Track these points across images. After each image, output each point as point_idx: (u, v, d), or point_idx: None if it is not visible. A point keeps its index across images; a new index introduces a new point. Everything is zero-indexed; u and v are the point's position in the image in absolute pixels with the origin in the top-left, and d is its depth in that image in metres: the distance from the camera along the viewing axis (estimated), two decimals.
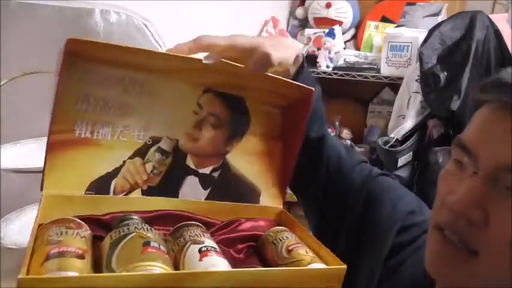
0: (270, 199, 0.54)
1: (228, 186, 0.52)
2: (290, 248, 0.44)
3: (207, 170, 0.50)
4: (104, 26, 0.85)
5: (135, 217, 0.43)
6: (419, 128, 1.51)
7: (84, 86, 0.43)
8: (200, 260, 0.38)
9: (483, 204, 0.38)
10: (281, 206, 0.54)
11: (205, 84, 0.48)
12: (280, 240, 0.46)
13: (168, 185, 0.49)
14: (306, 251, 0.43)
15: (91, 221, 0.43)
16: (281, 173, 0.54)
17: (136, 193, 0.47)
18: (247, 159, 0.52)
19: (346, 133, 1.92)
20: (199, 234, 0.42)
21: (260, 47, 0.47)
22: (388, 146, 1.50)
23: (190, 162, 0.49)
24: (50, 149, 0.42)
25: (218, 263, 0.38)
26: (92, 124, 0.44)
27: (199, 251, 0.39)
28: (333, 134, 1.91)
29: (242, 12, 1.65)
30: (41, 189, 0.43)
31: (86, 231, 0.40)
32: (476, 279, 0.40)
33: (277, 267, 0.43)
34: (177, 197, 0.49)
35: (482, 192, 0.38)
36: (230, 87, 0.49)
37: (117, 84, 0.44)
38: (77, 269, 0.33)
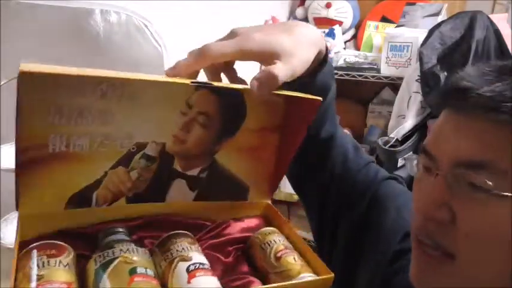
0: (258, 194, 0.53)
1: (216, 185, 0.50)
2: (279, 255, 0.44)
3: (194, 172, 0.48)
4: (104, 26, 0.85)
5: (120, 229, 0.43)
6: (419, 128, 1.51)
7: (54, 96, 0.38)
8: (188, 282, 0.37)
9: (447, 203, 0.39)
10: (268, 201, 0.53)
11: (199, 81, 0.44)
12: (269, 245, 0.46)
13: (155, 191, 0.47)
14: (295, 258, 0.44)
15: (74, 235, 0.42)
16: (274, 166, 0.52)
17: (120, 201, 0.45)
18: (237, 156, 0.50)
19: (346, 133, 1.92)
20: (187, 247, 0.41)
21: (273, 56, 0.42)
22: (388, 146, 1.50)
23: (177, 165, 0.47)
24: (22, 168, 0.40)
25: (207, 283, 0.38)
26: (67, 137, 0.40)
27: (187, 270, 0.38)
28: None
29: (242, 12, 1.65)
30: (16, 209, 0.42)
31: (69, 255, 0.38)
32: (457, 282, 0.40)
33: (267, 274, 0.44)
34: (164, 201, 0.48)
35: (444, 192, 0.39)
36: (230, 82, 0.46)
37: (94, 90, 0.39)
38: None
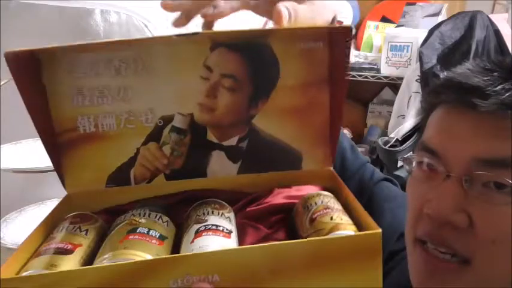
0: (314, 161, 0.45)
1: (260, 154, 0.44)
2: (314, 216, 0.37)
3: (232, 141, 0.44)
4: (104, 26, 0.85)
5: (151, 203, 0.41)
6: (419, 128, 1.51)
7: (72, 80, 0.39)
8: (192, 241, 0.34)
9: (463, 207, 0.37)
10: (330, 168, 0.45)
11: (213, 38, 0.40)
12: (308, 208, 0.38)
13: (193, 165, 0.44)
14: (332, 217, 0.36)
15: (114, 212, 0.42)
16: (328, 126, 0.44)
17: (160, 178, 0.44)
18: (280, 120, 0.44)
19: (346, 133, 1.92)
20: (208, 212, 0.38)
21: (277, 22, 0.38)
22: (388, 146, 1.50)
23: (211, 136, 0.44)
24: (59, 150, 0.41)
25: (209, 242, 0.33)
26: (94, 117, 0.41)
27: (196, 231, 0.35)
28: None
29: (242, 12, 1.65)
30: (65, 189, 0.42)
31: (92, 224, 0.38)
32: (470, 286, 0.38)
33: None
34: (205, 177, 0.44)
35: (459, 194, 0.37)
36: (248, 36, 0.40)
37: (106, 68, 0.39)
38: (56, 265, 0.32)
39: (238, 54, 0.41)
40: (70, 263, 0.33)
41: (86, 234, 0.37)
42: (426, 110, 0.44)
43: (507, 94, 0.36)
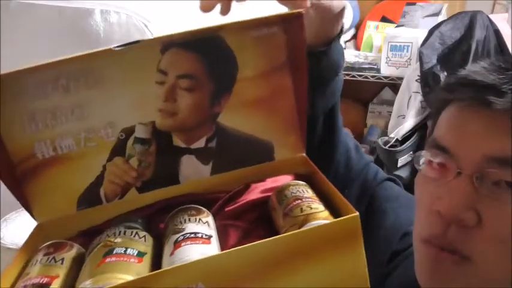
0: (286, 149, 0.45)
1: (231, 152, 0.44)
2: (286, 211, 0.37)
3: (200, 143, 0.43)
4: (104, 26, 0.85)
5: (127, 219, 0.41)
6: (419, 128, 1.51)
7: (21, 106, 0.37)
8: (172, 254, 0.33)
9: (473, 205, 0.37)
10: (303, 154, 0.45)
11: (162, 41, 0.38)
12: (281, 203, 0.39)
13: (165, 174, 0.43)
14: (301, 209, 0.36)
15: (90, 234, 0.40)
16: (295, 111, 0.43)
17: (132, 192, 0.42)
18: (246, 113, 0.43)
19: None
20: (184, 220, 0.37)
21: None
22: (388, 146, 1.50)
23: (178, 141, 0.42)
24: (22, 180, 0.39)
25: (191, 252, 0.33)
26: (51, 141, 0.38)
27: (175, 242, 0.34)
28: None
29: (242, 12, 1.65)
30: (34, 219, 0.41)
31: (69, 251, 0.37)
32: (472, 284, 0.39)
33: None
34: (179, 183, 0.44)
35: (470, 192, 0.37)
36: (198, 32, 0.38)
37: (54, 87, 0.36)
38: None
39: (191, 52, 0.39)
40: None
41: (62, 263, 0.35)
42: (437, 108, 0.43)
43: None
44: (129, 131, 0.40)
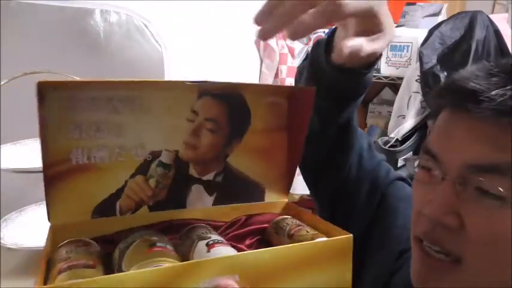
0: (275, 194, 0.54)
1: (232, 188, 0.51)
2: (291, 232, 0.45)
3: (210, 176, 0.50)
4: (104, 26, 0.85)
5: (143, 230, 0.44)
6: (419, 128, 1.51)
7: (72, 115, 0.42)
8: (208, 251, 0.39)
9: (455, 209, 0.38)
10: (285, 199, 0.55)
11: (200, 88, 0.46)
12: (282, 228, 0.47)
13: (175, 197, 0.49)
14: (307, 231, 0.44)
15: (100, 240, 0.44)
16: (286, 166, 0.54)
17: (143, 210, 0.47)
18: (248, 158, 0.51)
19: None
20: (206, 231, 0.44)
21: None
22: (388, 146, 1.50)
23: (193, 171, 0.49)
24: (49, 181, 0.42)
25: (226, 252, 0.39)
26: (88, 150, 0.43)
27: (207, 244, 0.40)
28: None
29: (242, 12, 1.65)
30: (49, 220, 0.43)
31: (95, 247, 0.41)
32: (462, 286, 0.39)
33: None
34: (185, 208, 0.49)
35: (452, 197, 0.38)
36: (228, 88, 0.48)
37: (106, 105, 0.43)
38: (88, 277, 0.33)
39: (219, 102, 0.48)
40: (95, 276, 0.34)
41: (95, 255, 0.39)
42: (433, 113, 0.44)
43: (500, 100, 0.35)
44: (155, 154, 0.46)
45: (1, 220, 0.76)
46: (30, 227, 0.77)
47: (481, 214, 0.37)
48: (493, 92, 0.36)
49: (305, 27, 0.38)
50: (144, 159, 0.46)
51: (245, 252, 0.39)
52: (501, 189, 0.35)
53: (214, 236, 0.42)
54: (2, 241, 0.70)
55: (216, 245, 0.40)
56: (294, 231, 0.45)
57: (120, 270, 0.37)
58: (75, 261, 0.36)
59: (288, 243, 0.42)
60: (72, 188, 0.43)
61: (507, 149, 0.35)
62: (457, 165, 0.38)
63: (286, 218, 0.49)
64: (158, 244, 0.39)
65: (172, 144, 0.47)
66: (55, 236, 0.42)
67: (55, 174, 0.43)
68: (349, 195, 0.60)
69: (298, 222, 0.47)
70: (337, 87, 0.51)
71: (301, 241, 0.43)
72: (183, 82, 0.42)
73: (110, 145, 0.44)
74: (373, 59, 0.49)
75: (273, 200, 0.54)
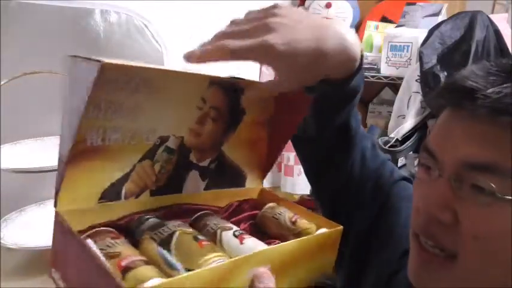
0: (252, 181, 0.58)
1: (222, 174, 0.54)
2: (293, 219, 0.49)
3: (206, 163, 0.51)
4: (104, 26, 0.85)
5: (151, 217, 0.45)
6: (420, 128, 1.51)
7: (93, 93, 0.39)
8: (241, 243, 0.42)
9: (451, 205, 0.39)
10: (261, 186, 0.59)
11: (211, 77, 0.46)
12: (280, 214, 0.51)
13: (174, 183, 0.49)
14: (307, 221, 0.49)
15: (107, 227, 0.43)
16: (265, 158, 0.58)
17: (145, 194, 0.47)
18: (237, 147, 0.54)
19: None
20: (222, 221, 0.47)
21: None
22: (388, 146, 1.50)
23: (193, 157, 0.50)
24: (66, 165, 0.40)
25: (256, 244, 0.43)
26: (103, 131, 0.41)
27: (235, 235, 0.43)
28: None
29: (242, 12, 1.65)
30: (55, 207, 0.42)
31: (120, 236, 0.41)
32: (457, 283, 0.40)
33: (287, 237, 0.48)
34: (181, 192, 0.50)
35: (447, 194, 0.39)
36: (233, 83, 0.49)
37: (128, 83, 0.41)
38: (156, 274, 0.34)
39: (224, 92, 0.49)
40: (157, 272, 0.35)
41: (132, 247, 0.40)
42: (435, 112, 0.45)
43: (495, 97, 0.36)
44: (164, 139, 0.46)
45: (1, 220, 0.76)
46: (30, 227, 0.77)
47: (476, 210, 0.37)
48: (489, 90, 0.36)
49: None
50: (154, 144, 0.45)
51: (277, 245, 0.43)
52: (493, 186, 0.36)
53: (234, 227, 0.45)
54: (2, 241, 0.70)
55: (244, 237, 0.43)
56: (296, 218, 0.49)
57: (171, 264, 0.37)
58: (133, 257, 0.36)
59: (293, 229, 0.48)
60: (85, 172, 0.42)
61: (502, 147, 0.36)
62: (453, 163, 0.39)
63: (277, 206, 0.53)
64: (200, 237, 0.41)
65: (180, 130, 0.47)
66: (65, 222, 0.41)
67: (72, 156, 0.40)
68: (351, 194, 0.60)
69: (291, 212, 0.52)
70: (324, 97, 0.52)
71: (307, 228, 0.48)
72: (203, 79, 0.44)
73: (124, 128, 0.43)
74: (353, 69, 0.50)
75: (251, 186, 0.58)
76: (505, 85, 0.36)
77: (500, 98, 0.36)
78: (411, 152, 1.48)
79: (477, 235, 0.38)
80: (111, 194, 0.45)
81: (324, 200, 0.64)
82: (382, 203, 0.58)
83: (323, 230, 0.47)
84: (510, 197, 0.36)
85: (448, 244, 0.40)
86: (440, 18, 1.65)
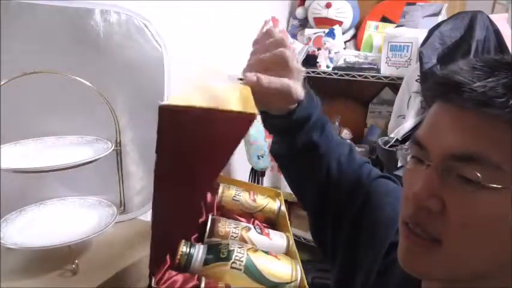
0: None
1: None
2: (252, 198, 0.60)
3: None
4: (104, 26, 0.85)
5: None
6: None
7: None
8: (270, 239, 0.51)
9: (438, 193, 0.41)
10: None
11: None
12: (239, 196, 0.62)
13: None
14: (262, 196, 0.63)
15: None
16: None
17: None
18: None
19: (346, 133, 1.92)
20: (228, 221, 0.55)
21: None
22: (388, 146, 1.50)
23: None
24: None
25: (278, 235, 0.56)
26: None
27: (258, 233, 0.52)
28: None
29: (242, 12, 1.65)
30: None
31: None
32: (443, 268, 0.42)
33: (252, 216, 0.59)
34: None
35: (435, 182, 0.41)
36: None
37: None
38: None
39: None
40: None
41: None
42: (428, 105, 0.47)
43: (481, 91, 0.38)
44: None
45: (1, 220, 0.76)
46: (30, 227, 0.77)
47: (462, 199, 0.39)
48: (475, 84, 0.38)
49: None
50: None
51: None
52: (479, 175, 0.38)
53: (246, 224, 0.54)
54: (2, 241, 0.70)
55: (267, 232, 0.54)
56: (254, 197, 0.60)
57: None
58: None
59: (255, 207, 0.62)
60: None
61: (486, 137, 0.38)
62: (440, 154, 0.41)
63: (226, 186, 0.62)
64: (263, 249, 0.50)
65: None
66: None
67: None
68: (332, 200, 0.63)
69: (239, 189, 0.63)
70: (276, 125, 0.59)
71: (267, 206, 0.63)
72: None
73: None
74: (291, 104, 0.56)
75: None
76: (489, 79, 0.38)
77: (485, 92, 0.37)
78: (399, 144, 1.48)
79: (464, 222, 0.39)
80: None
81: (309, 208, 0.67)
82: (363, 203, 0.61)
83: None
84: (495, 185, 0.37)
85: (434, 231, 0.41)
86: (440, 18, 1.65)
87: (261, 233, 0.47)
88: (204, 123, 0.37)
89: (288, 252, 0.52)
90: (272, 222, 0.64)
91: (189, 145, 0.38)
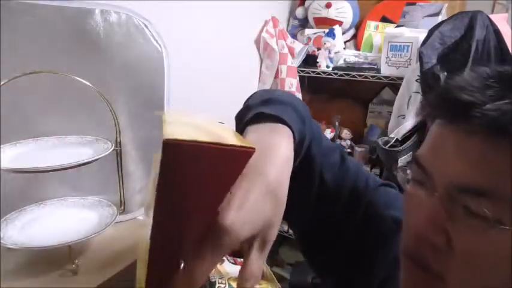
0: None
1: None
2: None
3: None
4: (104, 26, 0.85)
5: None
6: (419, 128, 1.51)
7: None
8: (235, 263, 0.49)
9: (443, 226, 0.36)
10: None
11: None
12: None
13: None
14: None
15: None
16: None
17: None
18: None
19: (346, 133, 1.92)
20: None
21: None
22: (388, 146, 1.50)
23: None
24: None
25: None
26: None
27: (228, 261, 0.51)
28: (332, 134, 1.91)
29: (242, 12, 1.65)
30: None
31: None
32: None
33: None
34: None
35: (441, 214, 0.36)
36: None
37: None
38: None
39: None
40: None
41: None
42: (430, 121, 0.42)
43: (492, 115, 0.33)
44: None
45: (1, 220, 0.76)
46: (30, 227, 0.77)
47: (468, 233, 0.35)
48: (487, 107, 0.33)
49: None
50: None
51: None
52: (486, 211, 0.33)
53: None
54: (2, 241, 0.70)
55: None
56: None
57: None
58: None
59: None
60: None
61: (498, 171, 0.33)
62: (445, 183, 0.36)
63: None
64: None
65: None
66: None
67: None
68: (327, 213, 0.57)
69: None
70: None
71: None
72: None
73: None
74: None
75: None
76: (504, 101, 0.33)
77: (497, 118, 0.32)
78: (410, 153, 1.48)
79: (468, 258, 0.36)
80: None
81: (299, 228, 0.61)
82: (364, 213, 0.56)
83: None
84: (505, 227, 0.33)
85: (436, 266, 0.38)
86: (440, 18, 1.65)
87: (235, 263, 0.47)
88: (208, 157, 0.37)
89: (265, 277, 0.51)
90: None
91: (192, 179, 0.38)
